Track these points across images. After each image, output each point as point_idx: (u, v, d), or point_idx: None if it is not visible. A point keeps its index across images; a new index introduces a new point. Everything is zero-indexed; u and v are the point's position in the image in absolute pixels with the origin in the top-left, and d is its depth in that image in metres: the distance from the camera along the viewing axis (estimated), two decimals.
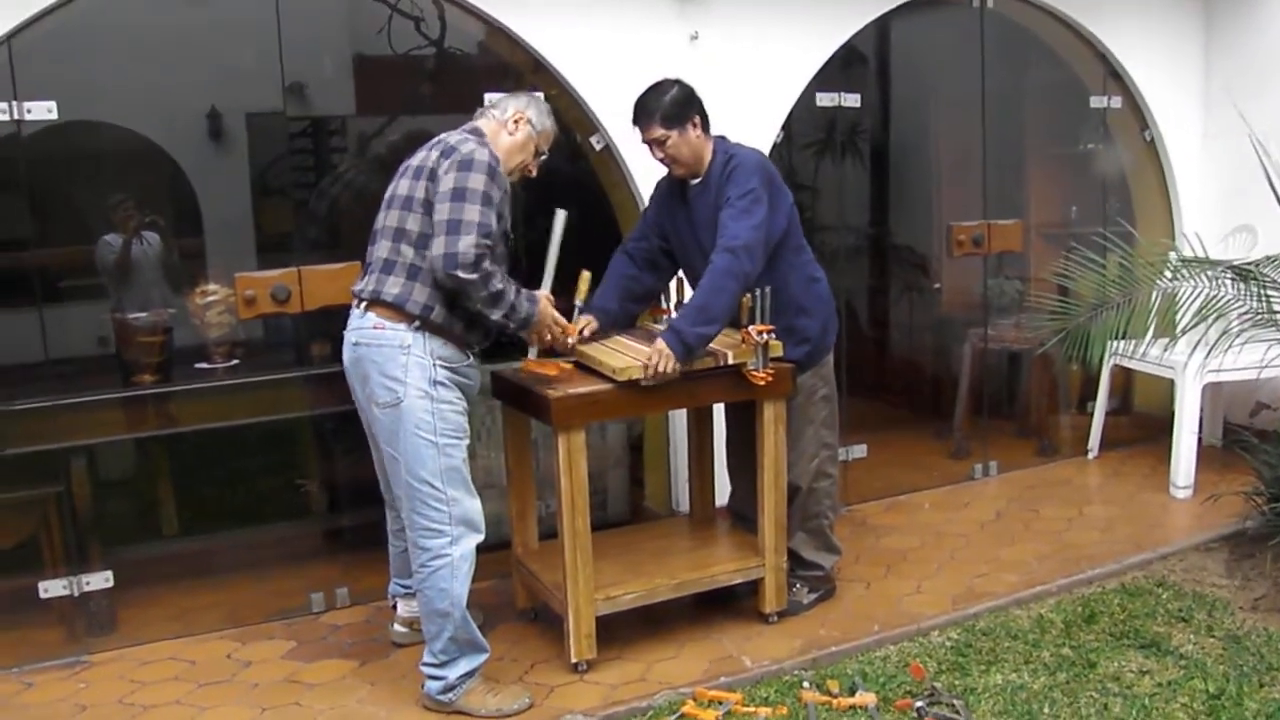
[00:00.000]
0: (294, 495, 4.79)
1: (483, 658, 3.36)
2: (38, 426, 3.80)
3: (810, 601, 3.96)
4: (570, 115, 4.47)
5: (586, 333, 3.72)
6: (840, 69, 5.04)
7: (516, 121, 3.40)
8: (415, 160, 3.30)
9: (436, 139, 3.32)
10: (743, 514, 4.01)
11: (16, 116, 3.62)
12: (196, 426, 4.23)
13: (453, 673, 3.30)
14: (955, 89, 5.73)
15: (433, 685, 3.32)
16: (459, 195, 3.11)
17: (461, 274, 3.08)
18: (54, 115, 3.67)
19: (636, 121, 3.63)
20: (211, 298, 4.17)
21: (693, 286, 3.84)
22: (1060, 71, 5.82)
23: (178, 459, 4.88)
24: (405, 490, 3.25)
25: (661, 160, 3.67)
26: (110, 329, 4.41)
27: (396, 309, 3.19)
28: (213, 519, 5.04)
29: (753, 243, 3.47)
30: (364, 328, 3.23)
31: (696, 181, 3.70)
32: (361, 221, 5.33)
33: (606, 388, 3.43)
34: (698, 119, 3.62)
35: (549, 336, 3.49)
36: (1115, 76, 5.64)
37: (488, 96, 3.57)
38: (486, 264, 3.12)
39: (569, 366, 3.54)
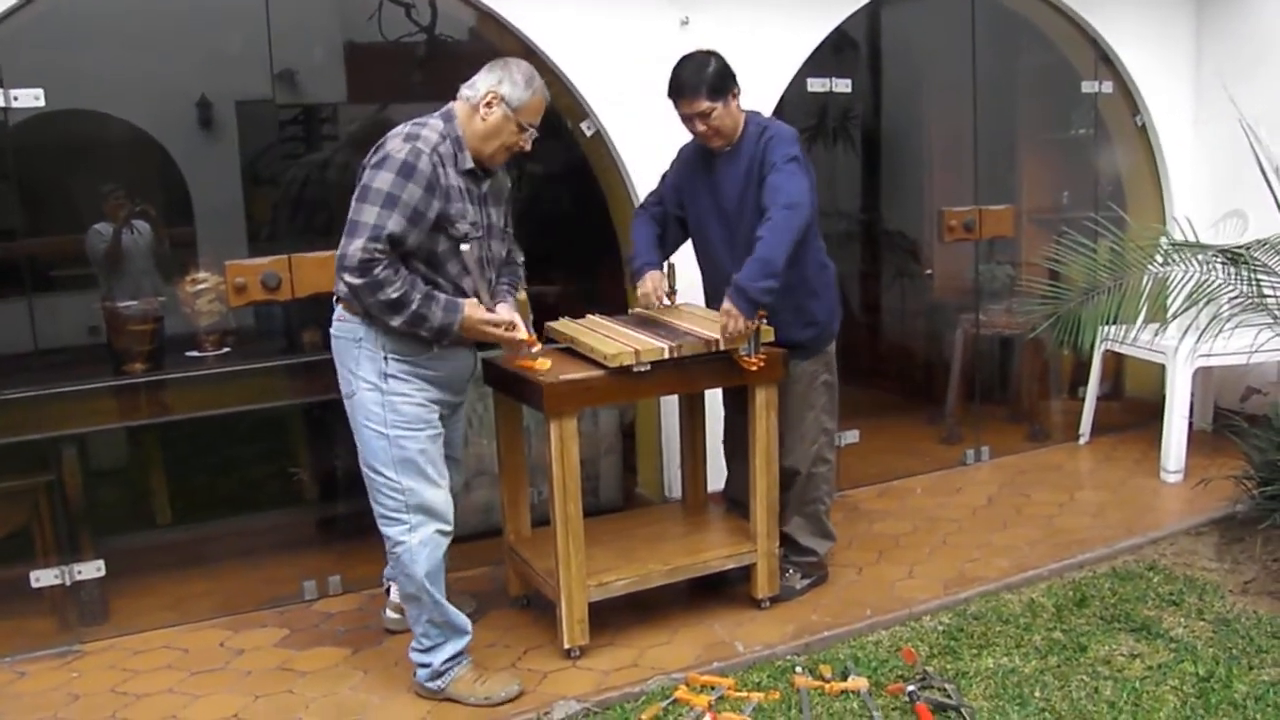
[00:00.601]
0: (286, 483, 4.79)
1: (465, 640, 3.36)
2: (29, 416, 3.79)
3: (803, 587, 3.96)
4: (561, 102, 4.46)
5: (665, 286, 3.78)
6: (831, 54, 5.03)
7: (489, 104, 3.17)
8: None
9: (393, 130, 3.17)
10: (739, 500, 4.00)
11: (4, 104, 3.60)
12: (188, 415, 4.22)
13: (438, 658, 3.31)
14: (947, 74, 5.73)
15: (422, 673, 3.34)
16: (362, 195, 3.02)
17: (347, 278, 3.01)
18: (41, 103, 3.65)
19: (679, 94, 3.60)
20: (202, 285, 4.17)
21: (699, 254, 3.86)
22: (1052, 56, 5.81)
23: (169, 448, 4.87)
24: (365, 479, 3.26)
25: (702, 133, 3.64)
26: (101, 318, 4.40)
27: (348, 304, 3.17)
28: (205, 507, 5.03)
29: (805, 202, 3.51)
30: (333, 319, 3.26)
31: (727, 149, 3.70)
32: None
33: (598, 374, 3.43)
34: (736, 90, 3.64)
35: (493, 340, 3.31)
36: (1107, 62, 5.64)
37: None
38: (378, 270, 2.98)
39: (548, 364, 3.44)
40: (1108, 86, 5.68)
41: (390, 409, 3.16)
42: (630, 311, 4.05)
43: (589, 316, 3.94)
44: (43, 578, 3.87)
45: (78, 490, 3.91)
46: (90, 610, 3.94)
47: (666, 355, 3.47)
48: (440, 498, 3.26)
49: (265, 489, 5.05)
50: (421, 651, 3.33)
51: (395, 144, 3.06)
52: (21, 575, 3.86)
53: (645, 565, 3.67)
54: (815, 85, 4.90)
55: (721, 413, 4.14)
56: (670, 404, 4.58)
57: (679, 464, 4.35)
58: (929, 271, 6.15)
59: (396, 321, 3.07)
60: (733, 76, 3.62)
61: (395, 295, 3.02)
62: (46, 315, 4.00)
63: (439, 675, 3.32)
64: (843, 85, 4.98)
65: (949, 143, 5.92)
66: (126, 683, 3.55)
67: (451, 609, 3.33)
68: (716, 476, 4.25)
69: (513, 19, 4.24)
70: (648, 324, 3.79)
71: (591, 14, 4.36)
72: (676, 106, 3.64)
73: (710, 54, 3.63)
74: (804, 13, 4.75)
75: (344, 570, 4.20)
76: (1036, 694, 3.26)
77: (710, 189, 3.76)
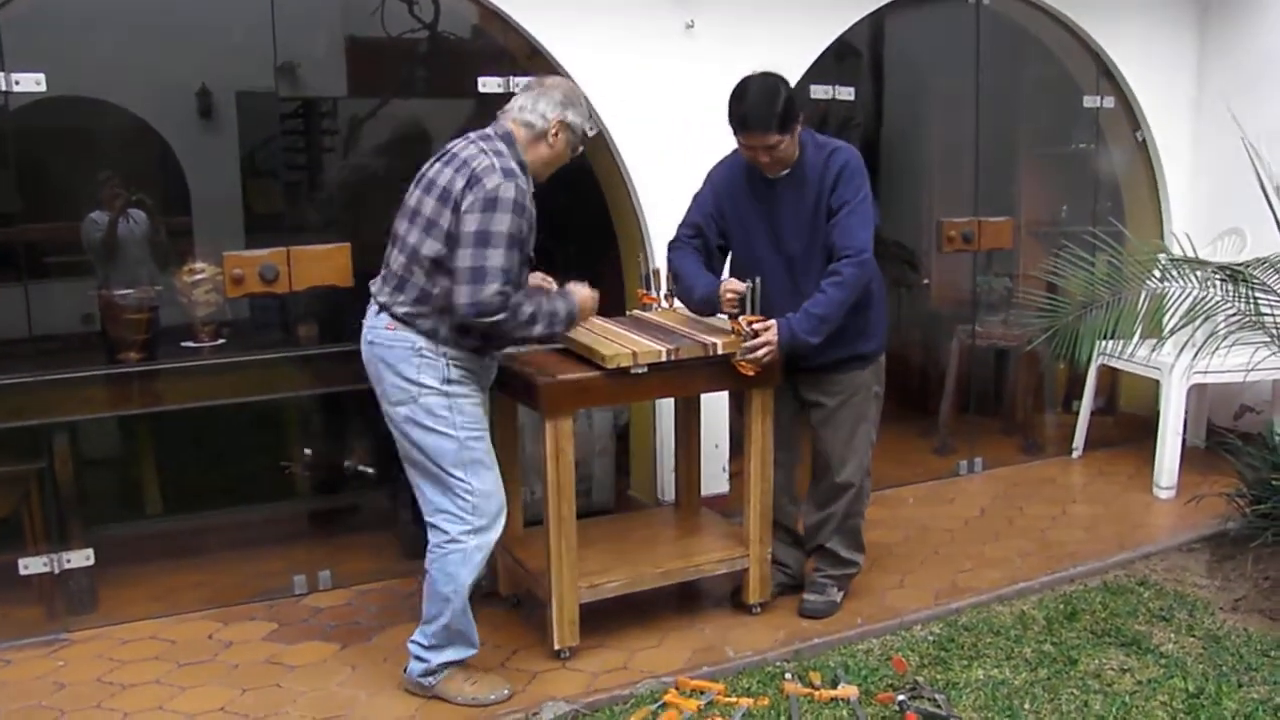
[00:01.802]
0: (278, 476, 4.77)
1: (470, 653, 3.35)
2: (21, 402, 3.77)
3: (842, 601, 3.90)
4: None
5: (740, 286, 3.53)
6: (834, 62, 5.04)
7: (556, 134, 3.24)
8: (438, 177, 3.16)
9: (456, 149, 3.19)
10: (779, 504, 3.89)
11: (4, 88, 3.58)
12: (181, 405, 4.20)
13: (437, 659, 3.30)
14: (949, 85, 5.73)
15: (416, 666, 3.32)
16: (482, 240, 3.03)
17: (488, 319, 3.07)
18: (42, 88, 3.63)
19: (746, 128, 3.45)
20: (199, 276, 4.14)
21: (741, 273, 3.67)
22: (1054, 70, 5.82)
23: (162, 438, 4.85)
24: (429, 478, 3.23)
25: (765, 164, 3.52)
26: (96, 306, 4.38)
27: (404, 322, 3.17)
28: (196, 499, 5.01)
29: (871, 248, 3.51)
30: (378, 327, 3.21)
31: (785, 173, 3.58)
32: (351, 203, 5.34)
33: (595, 375, 3.42)
34: (801, 116, 3.52)
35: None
36: (1108, 76, 5.65)
37: (515, 91, 3.39)
38: (512, 299, 3.09)
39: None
40: (1109, 101, 5.69)
41: (457, 411, 3.17)
42: (628, 313, 4.05)
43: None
44: (31, 565, 3.85)
45: (68, 478, 3.89)
46: (78, 599, 3.92)
47: (664, 358, 3.46)
48: (501, 502, 3.29)
49: (257, 482, 5.03)
50: (423, 647, 3.31)
51: (497, 180, 3.06)
52: (10, 562, 3.85)
53: (637, 567, 3.67)
54: (818, 92, 4.89)
55: (714, 417, 4.12)
56: (665, 407, 4.58)
57: (673, 467, 4.35)
58: (926, 281, 6.16)
59: (538, 331, 3.20)
60: (797, 102, 3.49)
61: (531, 309, 3.15)
62: (41, 302, 3.97)
63: (432, 673, 3.31)
64: (845, 93, 4.98)
65: (949, 154, 5.93)
66: (113, 672, 3.54)
67: (471, 620, 3.32)
68: (710, 481, 4.24)
69: (517, 17, 4.23)
70: (645, 326, 3.79)
71: (596, 13, 4.35)
72: (738, 136, 3.50)
73: (778, 82, 3.47)
74: (808, 19, 4.75)
75: (334, 565, 4.19)
76: (1026, 706, 3.26)
77: (766, 217, 3.62)
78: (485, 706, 3.28)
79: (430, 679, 3.31)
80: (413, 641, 3.34)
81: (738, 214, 3.69)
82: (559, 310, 3.25)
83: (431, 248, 3.10)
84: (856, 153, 3.62)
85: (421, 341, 3.15)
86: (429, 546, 3.27)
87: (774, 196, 3.61)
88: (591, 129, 3.37)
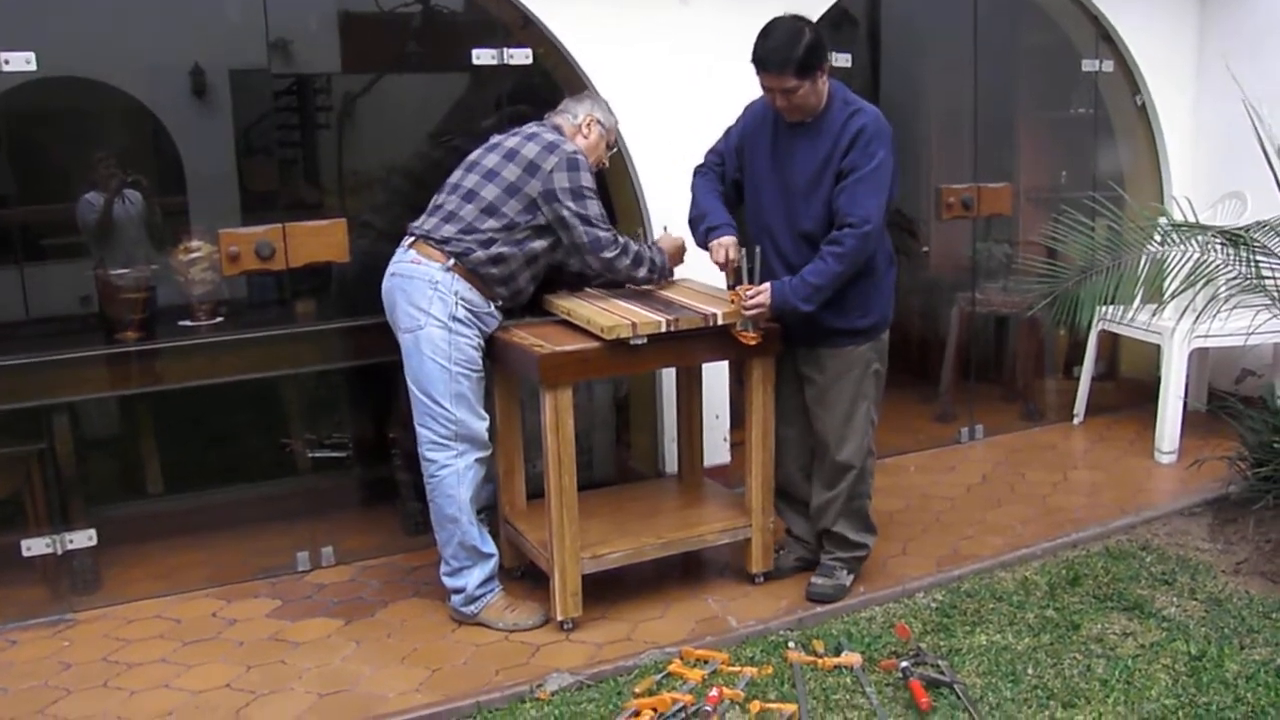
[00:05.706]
0: (278, 454, 4.77)
1: (491, 563, 3.63)
2: (20, 383, 3.76)
3: (851, 584, 3.82)
4: (559, 73, 4.42)
5: (733, 254, 3.56)
6: (830, 29, 4.98)
7: (589, 125, 3.79)
8: (505, 142, 3.66)
9: (523, 130, 3.70)
10: (785, 491, 3.88)
11: None
12: (180, 384, 4.18)
13: (470, 582, 3.58)
14: (946, 50, 5.69)
15: (456, 599, 3.61)
16: (579, 194, 3.56)
17: (608, 254, 3.61)
18: (32, 67, 3.60)
19: (764, 67, 3.37)
20: (195, 254, 4.12)
21: (748, 213, 3.69)
22: (1052, 34, 5.77)
23: (161, 417, 4.84)
24: (418, 406, 3.55)
25: (782, 107, 3.45)
26: (93, 286, 4.36)
27: (438, 246, 3.51)
28: (197, 477, 5.01)
29: (881, 221, 3.45)
30: (403, 261, 3.57)
31: (805, 121, 3.51)
32: (346, 178, 5.31)
33: (595, 346, 3.42)
34: (826, 65, 3.42)
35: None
36: (1108, 40, 5.60)
37: (564, 105, 3.87)
38: (620, 239, 3.67)
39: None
40: (1108, 65, 5.64)
41: (455, 347, 3.50)
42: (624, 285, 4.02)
43: (586, 289, 3.92)
44: (34, 546, 3.85)
45: (69, 459, 3.89)
46: (82, 579, 3.93)
47: (663, 329, 3.45)
48: (482, 428, 3.59)
49: (258, 459, 5.04)
50: (451, 575, 3.61)
51: (571, 146, 3.63)
52: (12, 544, 3.85)
53: (640, 538, 3.67)
54: None
55: (714, 387, 4.11)
56: (666, 378, 4.56)
57: (674, 438, 4.34)
58: (926, 249, 6.13)
59: (642, 272, 3.76)
60: (824, 50, 3.38)
61: (637, 248, 3.73)
62: (37, 283, 3.96)
63: (473, 600, 3.59)
64: (842, 60, 4.92)
65: (948, 120, 5.89)
66: (118, 652, 3.55)
67: (480, 534, 3.60)
68: (712, 451, 4.23)
69: None
70: (645, 297, 3.77)
71: None
72: (758, 74, 3.43)
73: (803, 24, 3.39)
74: None
75: (336, 542, 4.19)
76: (1029, 671, 3.27)
77: (776, 159, 3.58)
78: (525, 631, 3.55)
79: (472, 607, 3.59)
80: (443, 576, 3.64)
81: (755, 150, 3.65)
82: (657, 260, 3.81)
83: (491, 193, 3.55)
84: (880, 117, 3.51)
85: (439, 275, 3.49)
86: (425, 479, 3.60)
87: (790, 143, 3.56)
88: (613, 122, 3.88)
